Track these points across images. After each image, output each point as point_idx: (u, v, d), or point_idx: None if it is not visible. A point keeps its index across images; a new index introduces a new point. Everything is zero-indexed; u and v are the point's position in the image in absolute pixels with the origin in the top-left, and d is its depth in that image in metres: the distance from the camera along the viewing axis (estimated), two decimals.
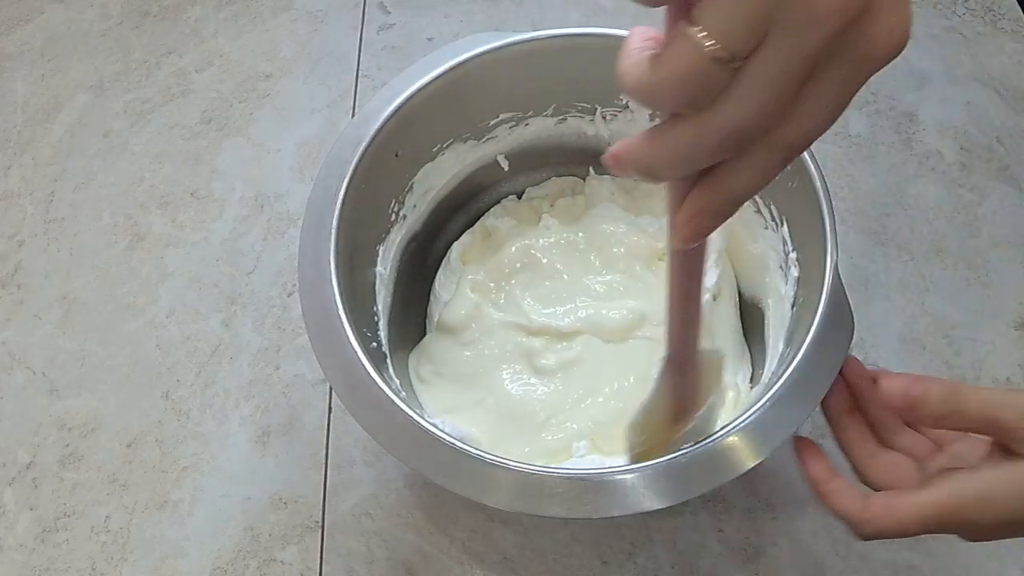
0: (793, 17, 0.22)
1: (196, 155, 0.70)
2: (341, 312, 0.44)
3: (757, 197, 0.52)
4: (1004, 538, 0.38)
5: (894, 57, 0.24)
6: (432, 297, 0.58)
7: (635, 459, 0.42)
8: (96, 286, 0.64)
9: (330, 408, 0.58)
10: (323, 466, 0.56)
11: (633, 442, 0.43)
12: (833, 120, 0.25)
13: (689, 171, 0.26)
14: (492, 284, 0.57)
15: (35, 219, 0.67)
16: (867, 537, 0.39)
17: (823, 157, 0.66)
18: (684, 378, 0.42)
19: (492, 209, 0.60)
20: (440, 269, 0.58)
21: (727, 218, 0.28)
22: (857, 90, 0.25)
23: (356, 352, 0.43)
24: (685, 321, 0.38)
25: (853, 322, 0.43)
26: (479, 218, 0.60)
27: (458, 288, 0.56)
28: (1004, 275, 0.61)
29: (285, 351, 0.60)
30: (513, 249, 0.57)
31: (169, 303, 0.63)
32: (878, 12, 0.23)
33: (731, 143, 0.24)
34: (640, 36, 0.25)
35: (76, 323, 0.62)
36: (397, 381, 0.49)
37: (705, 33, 0.22)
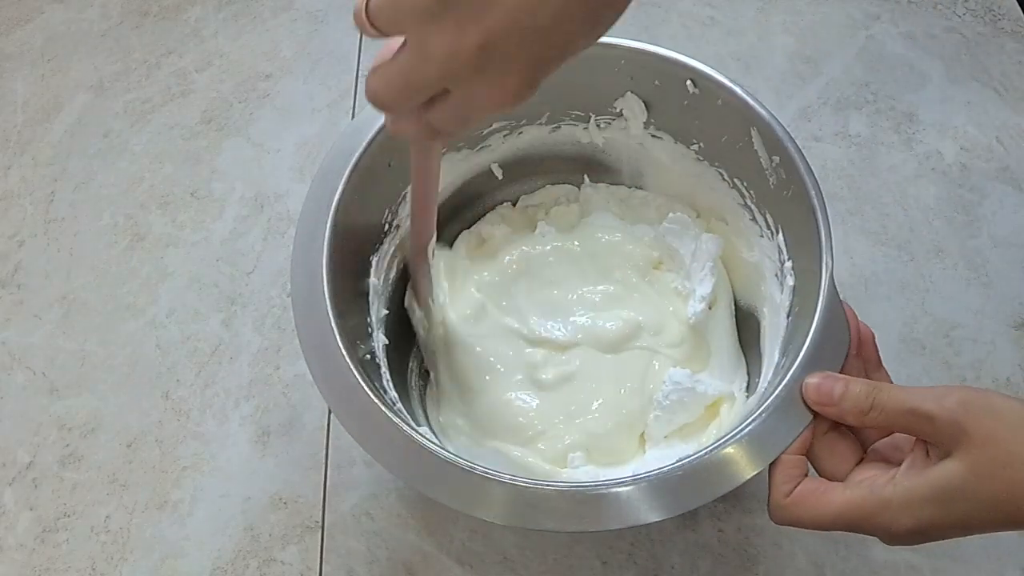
0: (416, 46, 0.33)
1: (196, 155, 0.70)
2: (333, 324, 0.44)
3: (752, 205, 0.52)
4: (923, 543, 0.38)
5: (493, 111, 0.34)
6: None
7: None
8: (96, 286, 0.64)
9: (330, 408, 0.58)
10: (323, 466, 0.56)
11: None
12: (454, 127, 0.35)
13: (391, 104, 0.35)
14: (496, 287, 0.57)
15: (35, 219, 0.67)
16: (780, 521, 0.39)
17: (823, 157, 0.66)
18: (419, 273, 0.52)
19: (487, 216, 0.60)
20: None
21: (399, 135, 0.38)
22: (471, 118, 0.35)
23: (347, 362, 0.43)
24: (419, 224, 0.49)
25: (849, 332, 0.43)
26: (472, 226, 0.60)
27: (463, 286, 0.56)
28: (1004, 275, 0.61)
29: (285, 351, 0.60)
30: (510, 256, 0.57)
31: (169, 303, 0.63)
32: (476, 77, 0.32)
33: (394, 88, 0.34)
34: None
35: (76, 323, 0.62)
36: (392, 392, 0.48)
37: (368, 10, 0.33)
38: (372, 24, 0.33)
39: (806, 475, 0.40)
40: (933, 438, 0.37)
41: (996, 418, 0.35)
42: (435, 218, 0.50)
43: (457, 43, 0.31)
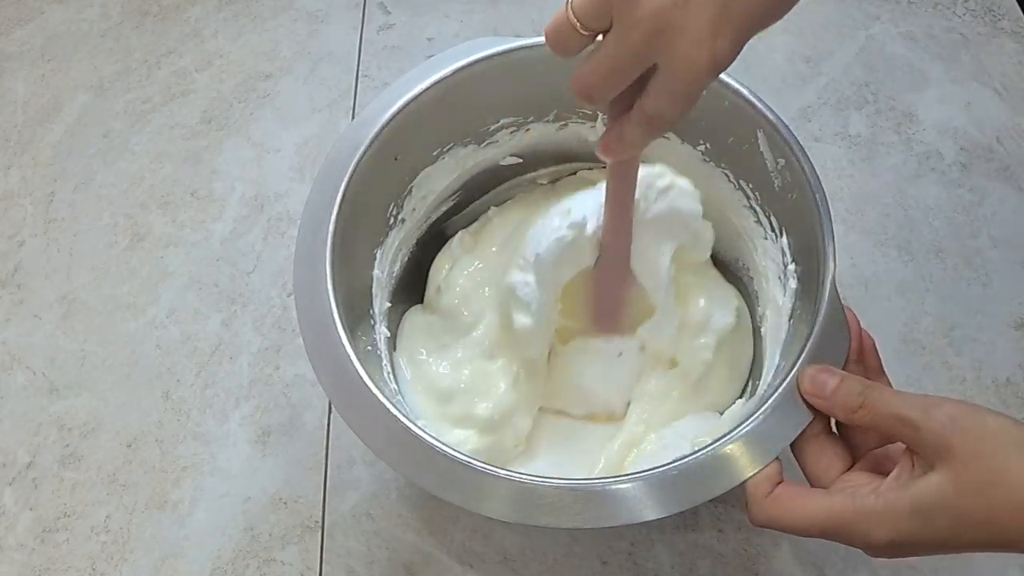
0: (621, 17, 0.33)
1: (196, 155, 0.70)
2: (336, 315, 0.44)
3: (757, 207, 0.52)
4: (902, 557, 0.37)
5: (696, 77, 0.34)
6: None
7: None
8: (96, 286, 0.64)
9: (330, 408, 0.58)
10: (323, 466, 0.56)
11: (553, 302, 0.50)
12: (675, 110, 0.35)
13: (601, 90, 0.36)
14: (485, 274, 0.56)
15: (35, 219, 0.67)
16: (757, 520, 0.39)
17: (823, 157, 0.66)
18: (609, 284, 0.50)
19: (505, 203, 0.60)
20: (440, 253, 0.58)
21: (626, 150, 0.39)
22: (683, 93, 0.35)
23: (350, 356, 0.43)
24: (617, 228, 0.47)
25: (850, 336, 0.43)
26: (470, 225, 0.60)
27: (449, 274, 0.56)
28: (1004, 275, 0.61)
29: (285, 351, 0.60)
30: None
31: (169, 303, 0.63)
32: (678, 38, 0.33)
33: (602, 71, 0.35)
34: None
35: (76, 323, 0.62)
36: (394, 385, 0.48)
37: (572, 11, 0.34)
38: (580, 23, 0.34)
39: (782, 475, 0.40)
40: (917, 447, 0.37)
41: (984, 436, 0.35)
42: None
43: (659, 3, 0.32)
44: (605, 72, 0.35)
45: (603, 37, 0.35)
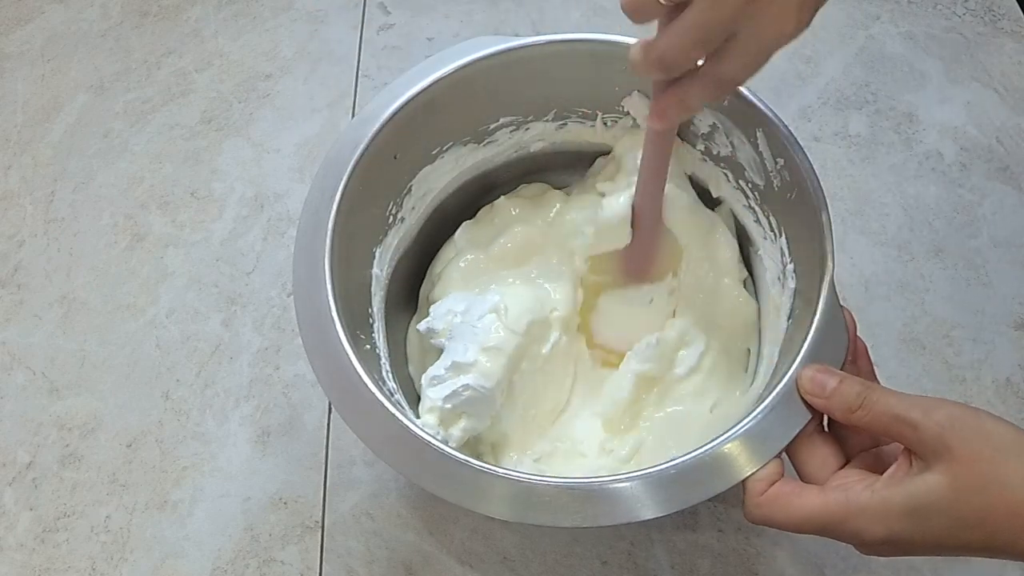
0: None
1: (196, 155, 0.70)
2: (334, 313, 0.44)
3: (756, 207, 0.52)
4: (895, 556, 0.37)
5: (780, 43, 0.36)
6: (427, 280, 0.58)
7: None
8: (96, 286, 0.64)
9: (330, 408, 0.58)
10: (323, 466, 0.56)
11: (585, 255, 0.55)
12: (748, 73, 0.37)
13: (682, 59, 0.37)
14: (485, 267, 0.56)
15: (35, 219, 0.67)
16: (753, 518, 0.39)
17: (823, 157, 0.66)
18: (643, 240, 0.52)
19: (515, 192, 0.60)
20: (443, 247, 0.58)
21: (685, 113, 0.43)
22: (762, 56, 0.36)
23: (349, 356, 0.43)
24: (651, 193, 0.50)
25: (848, 337, 0.43)
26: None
27: (446, 269, 0.56)
28: (1004, 275, 0.61)
29: (285, 351, 0.60)
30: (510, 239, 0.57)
31: (169, 303, 0.63)
32: (767, 8, 0.34)
33: (689, 41, 0.36)
34: None
35: (76, 323, 0.62)
36: (391, 383, 0.49)
37: None
38: None
39: (782, 474, 0.40)
40: (915, 447, 0.37)
41: (983, 439, 0.35)
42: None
43: None
44: (693, 41, 0.36)
45: (685, 8, 0.35)
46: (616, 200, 0.52)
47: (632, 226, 0.52)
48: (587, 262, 0.55)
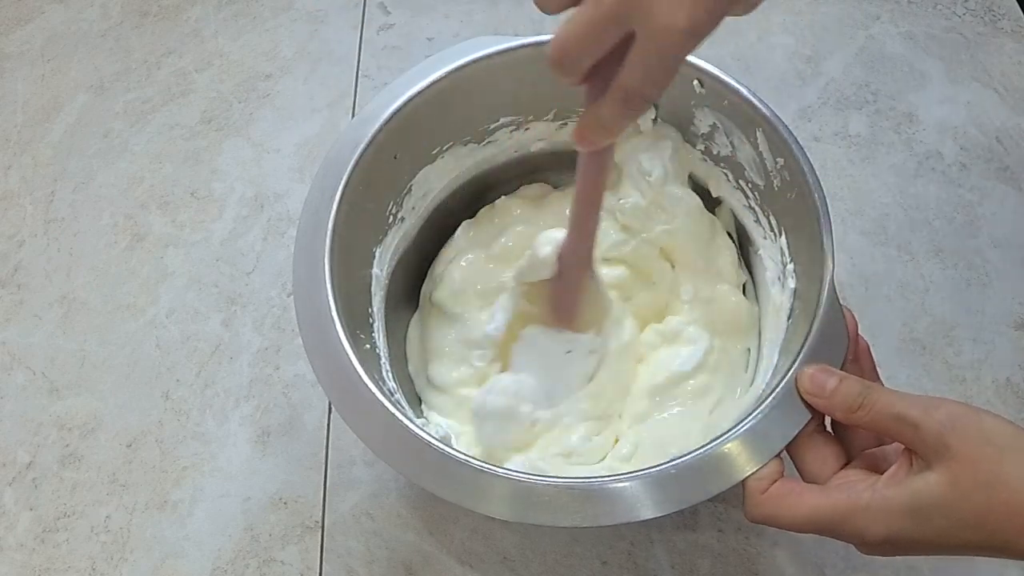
0: None
1: (196, 155, 0.70)
2: (334, 313, 0.44)
3: (756, 207, 0.52)
4: (896, 555, 0.37)
5: (674, 39, 0.32)
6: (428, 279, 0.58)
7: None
8: (96, 286, 0.64)
9: (330, 408, 0.58)
10: (323, 466, 0.56)
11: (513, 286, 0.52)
12: (653, 83, 0.34)
13: (575, 54, 0.34)
14: (486, 267, 0.57)
15: (35, 219, 0.67)
16: (754, 517, 0.39)
17: (823, 157, 0.66)
18: (566, 280, 0.48)
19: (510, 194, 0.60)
20: (445, 246, 0.58)
21: (604, 134, 0.37)
22: (659, 63, 0.33)
23: (349, 356, 0.43)
24: (581, 228, 0.45)
25: (848, 337, 0.43)
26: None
27: (449, 268, 0.56)
28: (1004, 275, 0.61)
29: (285, 351, 0.60)
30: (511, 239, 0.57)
31: (169, 303, 0.63)
32: (655, 1, 0.31)
33: (578, 33, 0.33)
34: None
35: (76, 323, 0.62)
36: (391, 383, 0.49)
37: None
38: None
39: (783, 473, 0.40)
40: (916, 446, 0.37)
41: (984, 438, 0.35)
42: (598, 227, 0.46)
43: None
44: (580, 36, 0.33)
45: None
46: (553, 235, 0.48)
47: (558, 262, 0.48)
48: (519, 287, 0.52)
